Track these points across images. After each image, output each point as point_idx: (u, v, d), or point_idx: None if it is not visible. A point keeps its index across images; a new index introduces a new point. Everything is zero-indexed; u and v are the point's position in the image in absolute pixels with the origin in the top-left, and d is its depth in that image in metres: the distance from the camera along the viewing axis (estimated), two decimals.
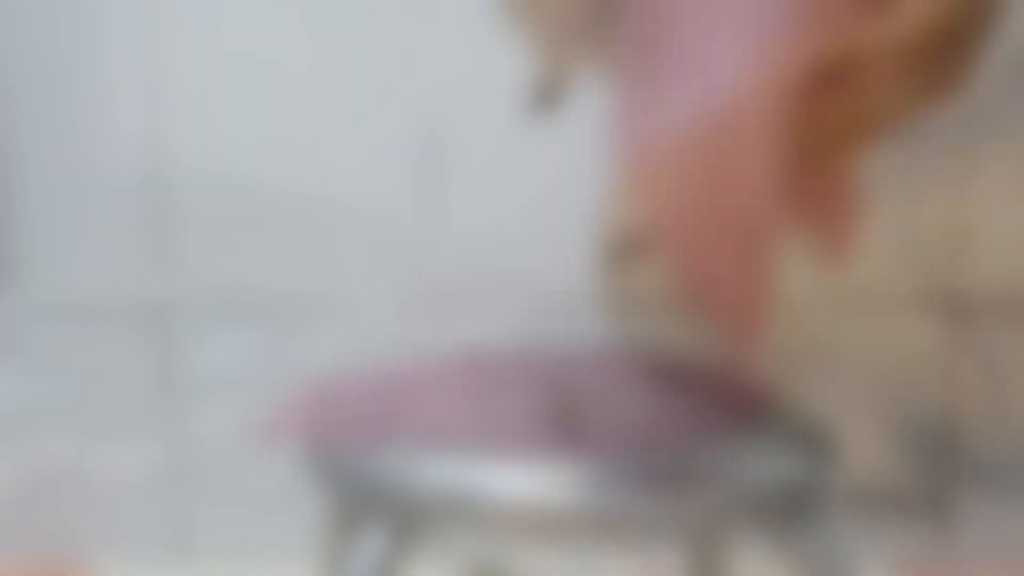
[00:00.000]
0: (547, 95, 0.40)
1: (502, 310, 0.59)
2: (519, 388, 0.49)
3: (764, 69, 0.26)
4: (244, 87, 0.64)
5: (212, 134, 0.64)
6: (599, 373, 0.49)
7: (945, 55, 0.23)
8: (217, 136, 0.64)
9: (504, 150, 0.63)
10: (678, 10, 0.27)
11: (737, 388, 0.43)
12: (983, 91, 0.42)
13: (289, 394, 0.48)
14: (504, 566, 0.34)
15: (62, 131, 0.64)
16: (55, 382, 0.49)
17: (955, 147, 0.47)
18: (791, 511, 0.38)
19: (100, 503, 0.39)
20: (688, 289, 0.34)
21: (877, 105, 0.25)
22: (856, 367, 0.35)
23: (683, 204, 0.33)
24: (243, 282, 0.62)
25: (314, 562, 0.34)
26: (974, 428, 0.42)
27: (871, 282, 0.33)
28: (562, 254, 0.53)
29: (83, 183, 0.64)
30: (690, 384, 0.45)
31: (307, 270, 0.63)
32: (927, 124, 0.43)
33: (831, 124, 0.27)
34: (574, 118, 0.58)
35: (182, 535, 0.36)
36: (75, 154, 0.64)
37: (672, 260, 0.34)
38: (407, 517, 0.37)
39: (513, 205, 0.62)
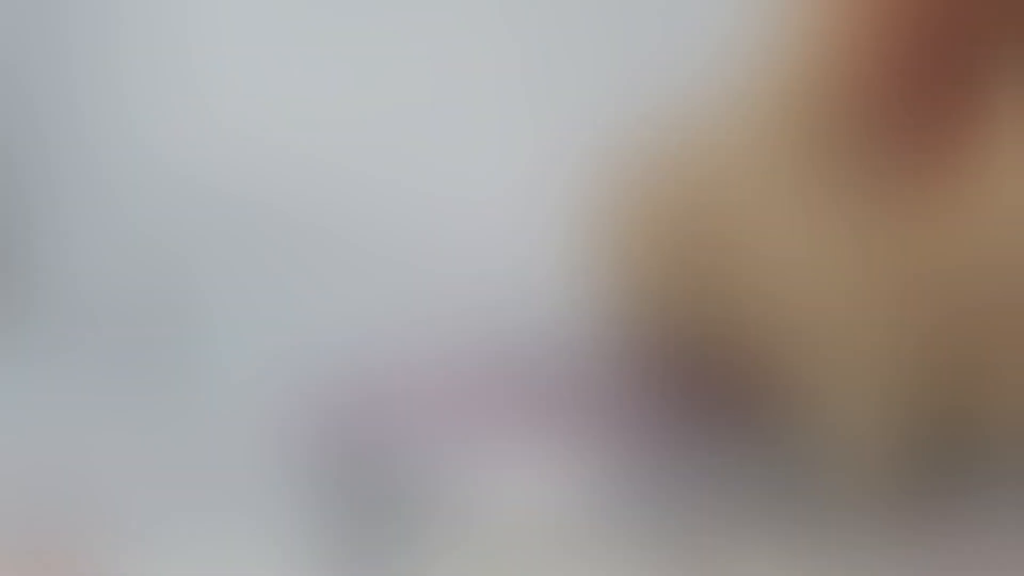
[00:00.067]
0: None
1: (499, 303, 0.59)
2: (518, 387, 0.49)
3: None
4: (239, 87, 0.64)
5: (215, 136, 0.64)
6: (598, 371, 0.49)
7: None
8: (221, 139, 0.64)
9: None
10: None
11: (738, 383, 0.43)
12: None
13: (291, 396, 0.48)
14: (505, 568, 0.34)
15: (68, 131, 0.64)
16: (56, 379, 0.49)
17: None
18: (791, 510, 0.38)
19: (100, 501, 0.39)
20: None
21: None
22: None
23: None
24: (242, 282, 0.62)
25: (314, 562, 0.34)
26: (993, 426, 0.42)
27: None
28: (558, 247, 0.53)
29: (86, 181, 0.64)
30: (690, 381, 0.45)
31: (308, 269, 0.64)
32: None
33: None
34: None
35: (181, 534, 0.36)
36: (78, 152, 0.64)
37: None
38: (407, 517, 0.37)
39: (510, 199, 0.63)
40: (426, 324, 0.57)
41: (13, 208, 0.63)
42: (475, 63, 0.63)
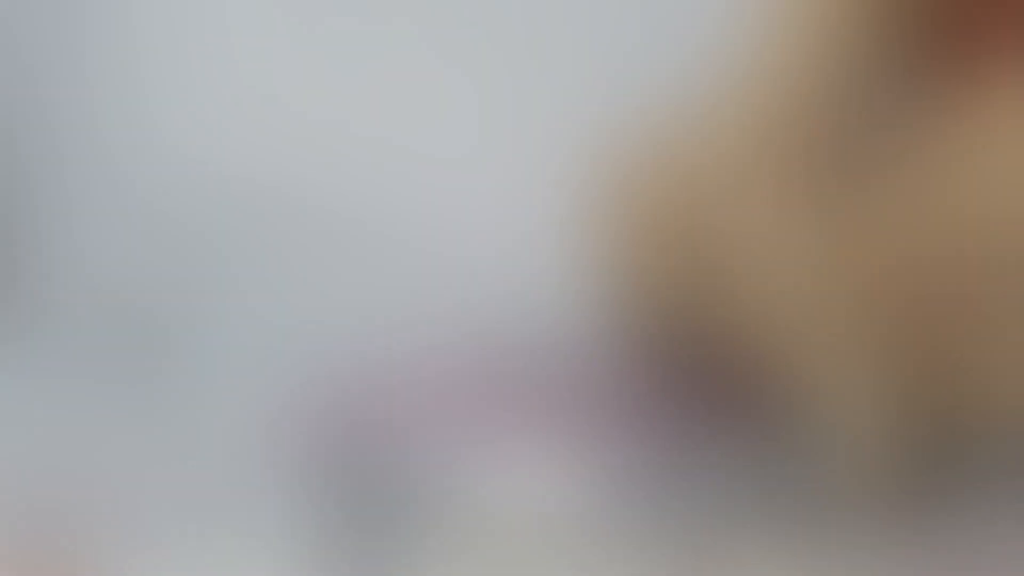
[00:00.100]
0: None
1: (499, 303, 0.59)
2: (521, 389, 0.49)
3: None
4: (239, 87, 0.64)
5: (215, 136, 0.64)
6: (598, 368, 0.49)
7: None
8: (221, 139, 0.64)
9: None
10: None
11: (738, 379, 0.43)
12: None
13: (293, 396, 0.48)
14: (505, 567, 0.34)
15: (69, 131, 0.64)
16: (55, 380, 0.49)
17: None
18: (792, 510, 0.38)
19: (100, 503, 0.39)
20: None
21: None
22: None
23: None
24: (243, 281, 0.62)
25: (314, 562, 0.34)
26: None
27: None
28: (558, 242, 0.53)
29: (86, 181, 0.64)
30: (687, 377, 0.45)
31: (308, 269, 0.63)
32: None
33: None
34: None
35: (181, 534, 0.36)
36: (78, 153, 0.64)
37: None
38: (407, 517, 0.37)
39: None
40: (426, 322, 0.57)
41: (19, 204, 0.63)
42: (473, 63, 0.63)
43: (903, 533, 0.36)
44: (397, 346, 0.54)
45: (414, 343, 0.54)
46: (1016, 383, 0.27)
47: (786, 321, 0.29)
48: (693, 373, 0.45)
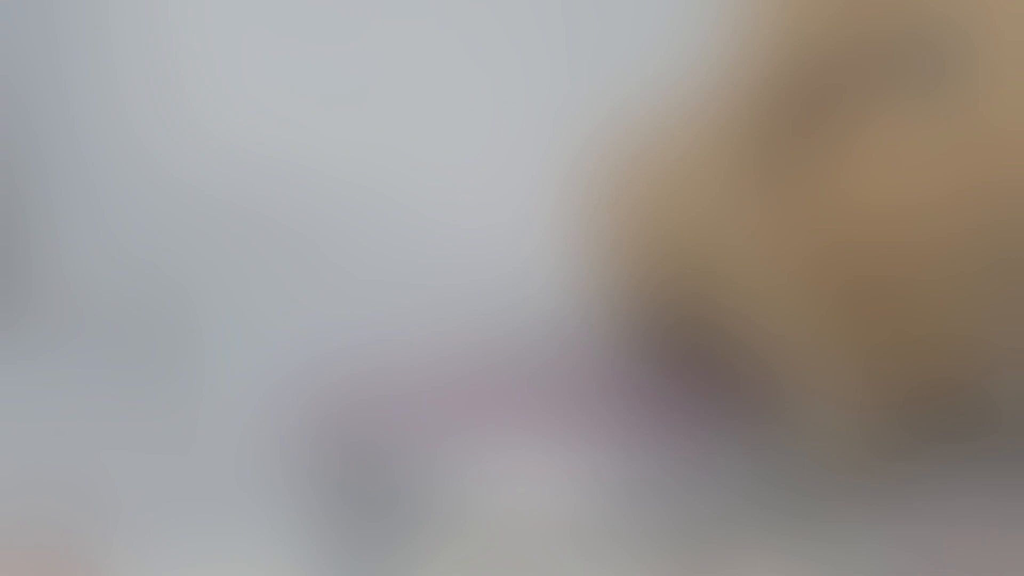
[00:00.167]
0: None
1: (499, 303, 0.59)
2: (517, 385, 0.49)
3: None
4: (257, 90, 0.64)
5: (214, 136, 0.64)
6: (597, 368, 0.49)
7: None
8: (220, 138, 0.64)
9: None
10: None
11: (737, 379, 0.43)
12: None
13: (290, 394, 0.48)
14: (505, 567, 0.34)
15: (69, 131, 0.64)
16: (56, 381, 0.49)
17: None
18: (792, 509, 0.38)
19: (101, 504, 0.39)
20: None
21: None
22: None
23: None
24: (243, 281, 0.62)
25: (314, 562, 0.34)
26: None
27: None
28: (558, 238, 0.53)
29: (87, 182, 0.64)
30: (689, 377, 0.45)
31: (308, 269, 0.63)
32: None
33: None
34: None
35: (182, 535, 0.36)
36: (79, 154, 0.64)
37: None
38: (407, 517, 0.37)
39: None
40: (424, 320, 0.57)
41: (10, 211, 0.63)
42: (461, 68, 0.63)
43: (879, 511, 0.36)
44: (396, 345, 0.54)
45: (413, 342, 0.54)
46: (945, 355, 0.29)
47: (744, 295, 0.32)
48: (680, 365, 0.45)
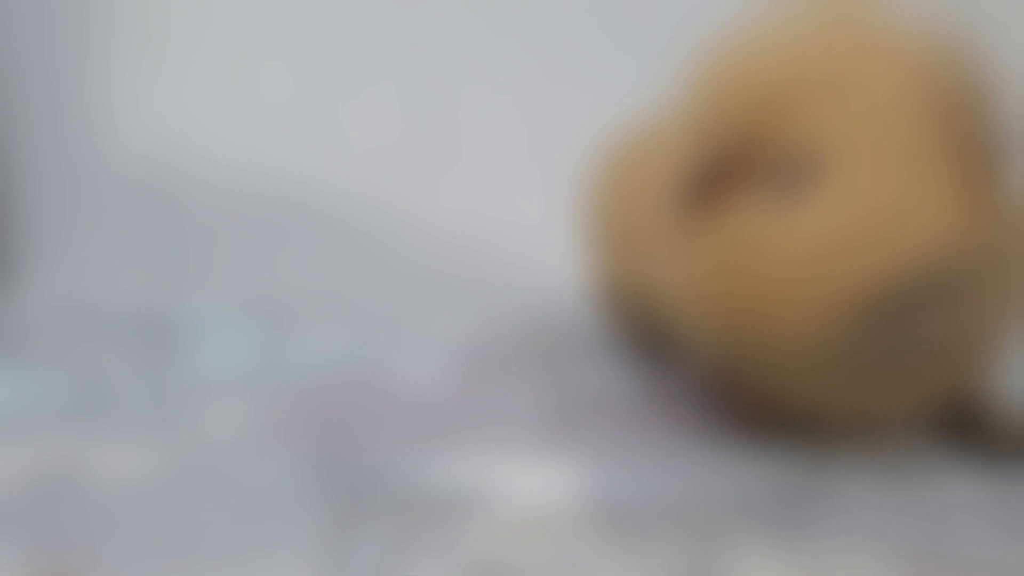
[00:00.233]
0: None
1: (499, 303, 0.59)
2: (517, 384, 0.49)
3: None
4: (239, 85, 0.64)
5: (212, 134, 0.64)
6: (598, 368, 0.49)
7: None
8: (217, 136, 0.64)
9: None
10: None
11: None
12: None
13: (289, 394, 0.48)
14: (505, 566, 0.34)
15: (66, 131, 0.64)
16: (56, 382, 0.49)
17: None
18: (791, 509, 0.38)
19: (100, 504, 0.39)
20: None
21: None
22: None
23: None
24: (243, 282, 0.62)
25: (314, 562, 0.34)
26: None
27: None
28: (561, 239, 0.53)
29: (86, 183, 0.64)
30: (689, 378, 0.45)
31: (308, 269, 0.64)
32: None
33: None
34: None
35: (182, 535, 0.36)
36: (78, 154, 0.64)
37: None
38: (407, 517, 0.37)
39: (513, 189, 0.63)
40: (423, 319, 0.57)
41: (4, 211, 0.63)
42: (471, 68, 0.63)
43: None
44: (394, 346, 0.54)
45: (412, 342, 0.54)
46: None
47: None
48: (694, 367, 0.45)
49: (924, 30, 0.40)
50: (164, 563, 0.34)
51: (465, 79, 0.64)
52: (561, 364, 0.51)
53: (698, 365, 0.43)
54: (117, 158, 0.65)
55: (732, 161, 0.39)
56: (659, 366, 0.51)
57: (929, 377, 0.39)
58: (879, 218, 0.36)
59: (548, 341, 0.54)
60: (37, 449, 0.42)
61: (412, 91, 0.65)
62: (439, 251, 0.65)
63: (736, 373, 0.41)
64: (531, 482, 0.40)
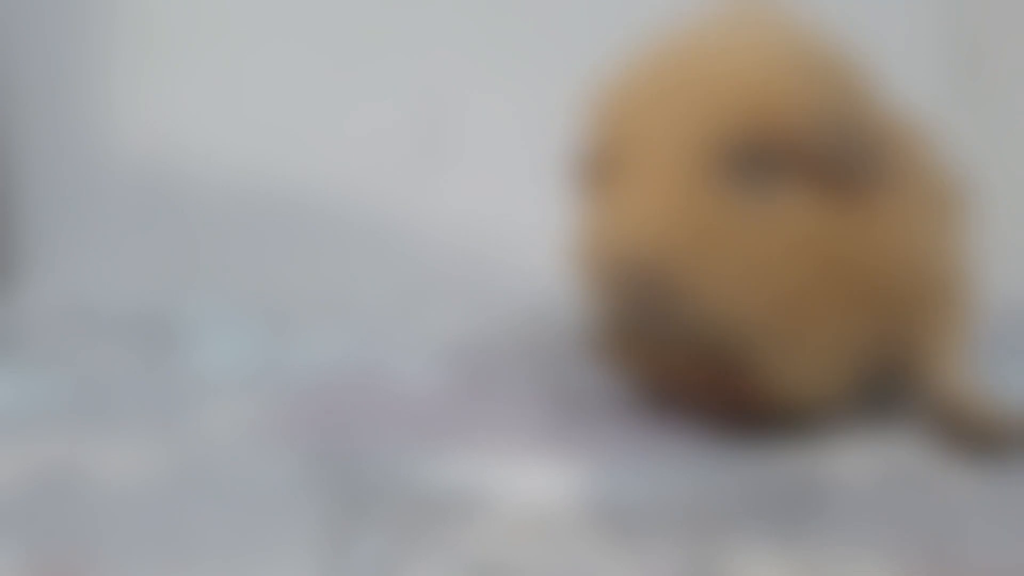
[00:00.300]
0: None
1: (500, 303, 0.59)
2: (518, 384, 0.49)
3: None
4: (239, 86, 0.64)
5: (213, 134, 0.64)
6: (598, 368, 0.49)
7: None
8: (217, 136, 0.64)
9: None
10: None
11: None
12: None
13: (289, 394, 0.48)
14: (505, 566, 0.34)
15: (66, 131, 0.64)
16: (56, 382, 0.49)
17: None
18: (792, 509, 0.38)
19: (100, 504, 0.39)
20: None
21: None
22: None
23: None
24: (243, 281, 0.62)
25: (314, 562, 0.34)
26: None
27: None
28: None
29: (87, 182, 0.64)
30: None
31: (308, 269, 0.64)
32: None
33: None
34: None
35: (182, 535, 0.36)
36: (79, 154, 0.64)
37: None
38: (407, 517, 0.37)
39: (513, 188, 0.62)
40: (423, 319, 0.57)
41: (4, 211, 0.63)
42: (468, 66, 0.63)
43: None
44: (394, 346, 0.54)
45: (411, 342, 0.54)
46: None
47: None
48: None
49: (817, 45, 0.45)
50: (164, 563, 0.34)
51: (465, 80, 0.64)
52: (562, 364, 0.51)
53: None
54: (117, 158, 0.65)
55: (595, 155, 0.45)
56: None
57: (709, 354, 0.43)
58: (620, 215, 0.43)
59: (549, 341, 0.54)
60: (37, 449, 0.42)
61: (412, 92, 0.65)
62: (440, 251, 0.65)
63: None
64: (531, 482, 0.40)
